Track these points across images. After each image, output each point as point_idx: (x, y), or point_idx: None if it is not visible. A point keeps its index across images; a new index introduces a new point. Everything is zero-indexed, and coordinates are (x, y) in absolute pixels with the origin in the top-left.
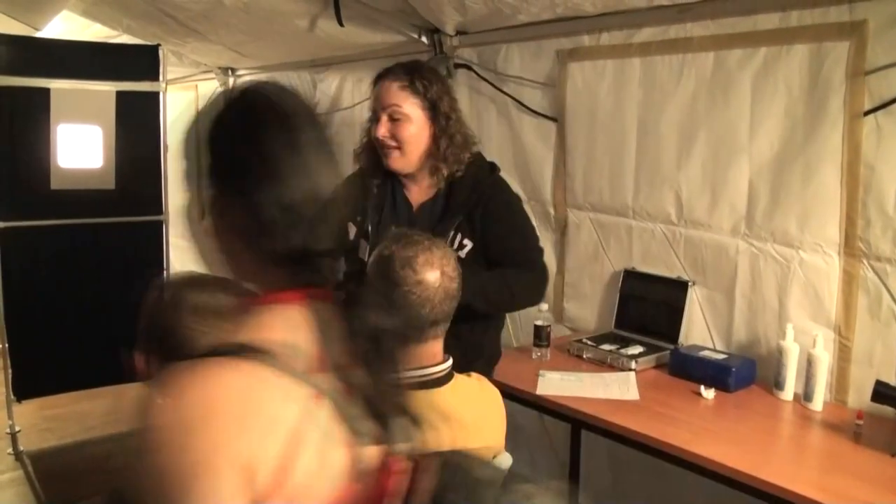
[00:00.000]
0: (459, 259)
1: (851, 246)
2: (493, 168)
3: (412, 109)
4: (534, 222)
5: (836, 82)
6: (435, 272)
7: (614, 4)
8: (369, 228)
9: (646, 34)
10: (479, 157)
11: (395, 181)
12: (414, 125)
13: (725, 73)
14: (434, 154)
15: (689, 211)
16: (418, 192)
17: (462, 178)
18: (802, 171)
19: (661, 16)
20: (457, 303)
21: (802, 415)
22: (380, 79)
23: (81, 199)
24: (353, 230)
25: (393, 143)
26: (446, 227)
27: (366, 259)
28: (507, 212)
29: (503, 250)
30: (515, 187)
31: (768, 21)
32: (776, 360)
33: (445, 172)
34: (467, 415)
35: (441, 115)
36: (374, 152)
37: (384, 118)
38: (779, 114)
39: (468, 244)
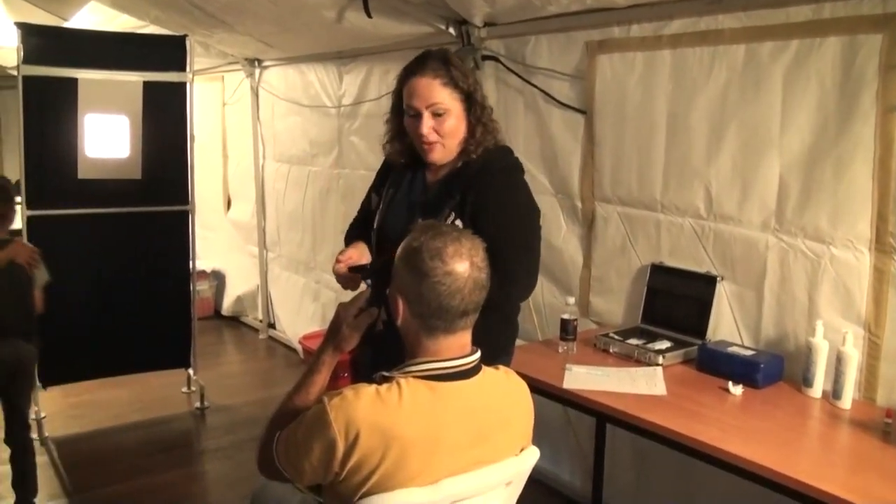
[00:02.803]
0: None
1: (882, 242)
2: (509, 163)
3: (453, 103)
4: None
5: (868, 75)
6: (464, 263)
7: None
8: (383, 199)
9: (676, 26)
10: (503, 148)
11: (418, 164)
12: (454, 119)
13: (757, 66)
14: (468, 141)
15: (718, 205)
16: (435, 172)
17: (474, 161)
18: (834, 165)
19: (691, 7)
20: (486, 293)
21: (831, 412)
22: (413, 74)
23: (108, 188)
24: (374, 200)
25: (436, 139)
26: (442, 205)
27: (377, 225)
28: (500, 210)
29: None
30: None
31: (800, 13)
32: (805, 356)
33: (468, 156)
34: (495, 407)
35: (477, 104)
36: (402, 142)
37: (427, 115)
38: (810, 107)
39: (458, 225)
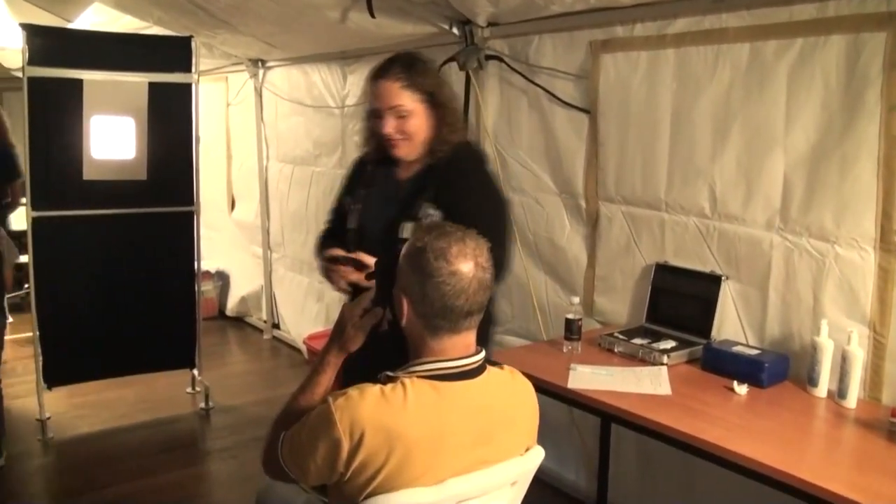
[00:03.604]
0: None
1: (887, 241)
2: (477, 156)
3: (415, 105)
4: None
5: (872, 74)
6: (469, 263)
7: None
8: (357, 200)
9: (680, 25)
10: (469, 143)
11: (389, 162)
12: (417, 118)
13: (761, 65)
14: (433, 139)
15: (722, 204)
16: (406, 169)
17: (442, 157)
18: (838, 164)
19: (695, 6)
20: (490, 293)
21: (836, 412)
22: (377, 77)
23: (113, 189)
24: (347, 202)
25: (400, 137)
26: (416, 199)
27: (352, 227)
28: (474, 202)
29: None
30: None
31: (805, 11)
32: (810, 356)
33: (437, 153)
34: (500, 407)
35: (439, 104)
36: (376, 142)
37: (389, 117)
38: (815, 106)
39: (436, 213)
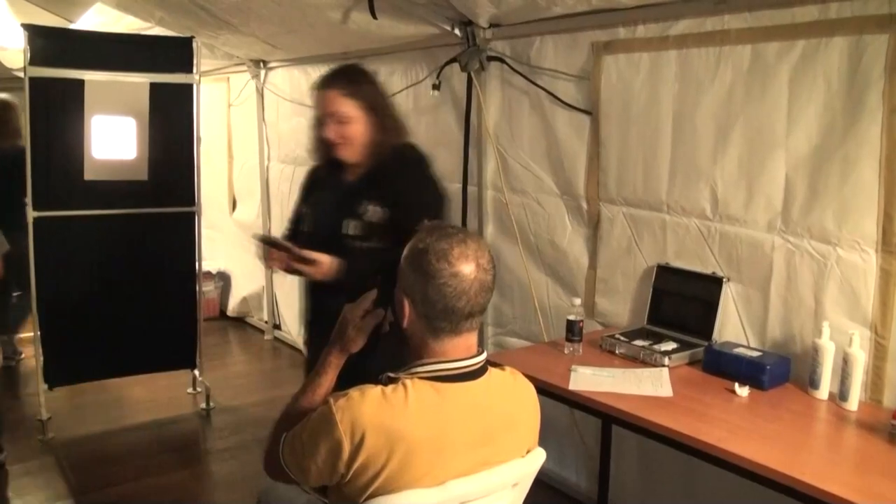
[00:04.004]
0: (369, 223)
1: (889, 243)
2: (418, 157)
3: (355, 112)
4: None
5: (874, 76)
6: (470, 264)
7: None
8: (310, 205)
9: (682, 27)
10: (407, 146)
11: (338, 166)
12: (356, 124)
13: (763, 67)
14: (372, 143)
15: (724, 206)
16: (352, 172)
17: (384, 159)
18: (840, 166)
19: (697, 8)
20: (492, 295)
21: (837, 414)
22: (322, 87)
23: (115, 190)
24: (301, 209)
25: (341, 141)
26: (362, 198)
27: (307, 230)
28: (413, 198)
29: (396, 224)
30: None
31: (807, 13)
32: (811, 358)
33: (377, 156)
34: (501, 408)
35: (378, 111)
36: (323, 146)
37: (331, 123)
38: (816, 108)
39: (378, 210)
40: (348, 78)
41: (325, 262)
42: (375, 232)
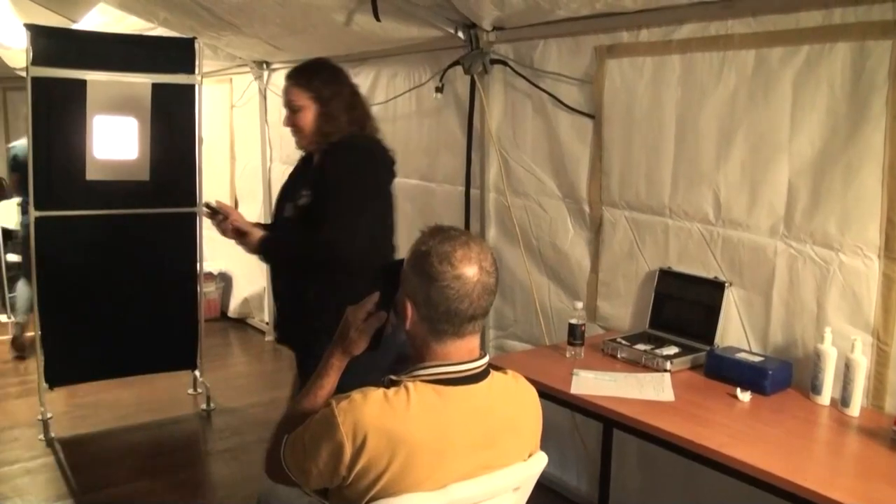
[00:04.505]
0: (299, 207)
1: (891, 249)
2: (351, 145)
3: (305, 102)
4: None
5: (878, 81)
6: (473, 267)
7: (655, 0)
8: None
9: (686, 31)
10: (350, 137)
11: (308, 155)
12: (305, 112)
13: (766, 72)
14: (319, 132)
15: (727, 210)
16: (315, 160)
17: (327, 148)
18: (843, 171)
19: (701, 12)
20: (494, 298)
21: (839, 420)
22: (286, 79)
23: (116, 190)
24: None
25: (292, 128)
26: (300, 185)
27: (285, 215)
28: (332, 180)
29: (316, 209)
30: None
31: (811, 19)
32: (813, 363)
33: (325, 145)
34: (503, 412)
35: (324, 101)
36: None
37: (287, 111)
38: (820, 113)
39: (308, 195)
40: (304, 71)
41: (253, 238)
42: (303, 215)
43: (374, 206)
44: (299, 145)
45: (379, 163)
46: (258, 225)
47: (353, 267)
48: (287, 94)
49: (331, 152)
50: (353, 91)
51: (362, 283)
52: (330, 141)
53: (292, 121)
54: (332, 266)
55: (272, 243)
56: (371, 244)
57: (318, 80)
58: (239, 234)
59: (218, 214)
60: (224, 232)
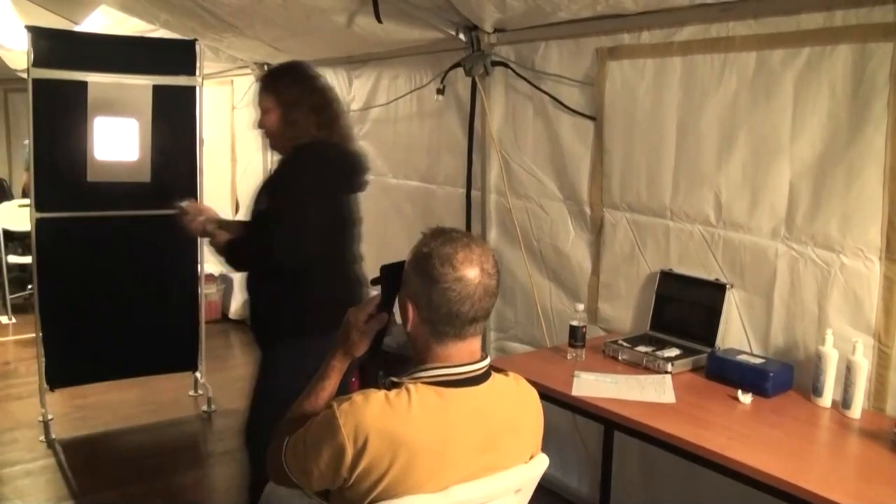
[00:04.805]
0: (258, 211)
1: (893, 251)
2: (302, 151)
3: (271, 105)
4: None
5: (879, 83)
6: (475, 269)
7: (656, 3)
8: None
9: (687, 33)
10: (308, 143)
11: None
12: (270, 115)
13: (768, 74)
14: (282, 135)
15: (728, 212)
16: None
17: (291, 151)
18: (844, 173)
19: (703, 14)
20: (496, 300)
21: (840, 422)
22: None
23: (117, 191)
24: None
25: (261, 130)
26: (264, 189)
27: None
28: (276, 187)
29: (261, 212)
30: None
31: (812, 21)
32: (814, 365)
33: (287, 149)
34: (505, 414)
35: (287, 105)
36: None
37: (258, 113)
38: (821, 115)
39: (265, 199)
40: (272, 74)
41: (218, 240)
42: (261, 220)
43: (317, 212)
44: (271, 147)
45: (331, 169)
46: (234, 224)
47: (298, 274)
48: (256, 96)
49: (287, 157)
50: (322, 95)
51: (315, 291)
52: (295, 145)
53: (260, 122)
54: (276, 272)
55: (229, 246)
56: (319, 251)
57: (283, 83)
58: (207, 234)
59: (187, 214)
60: (194, 231)
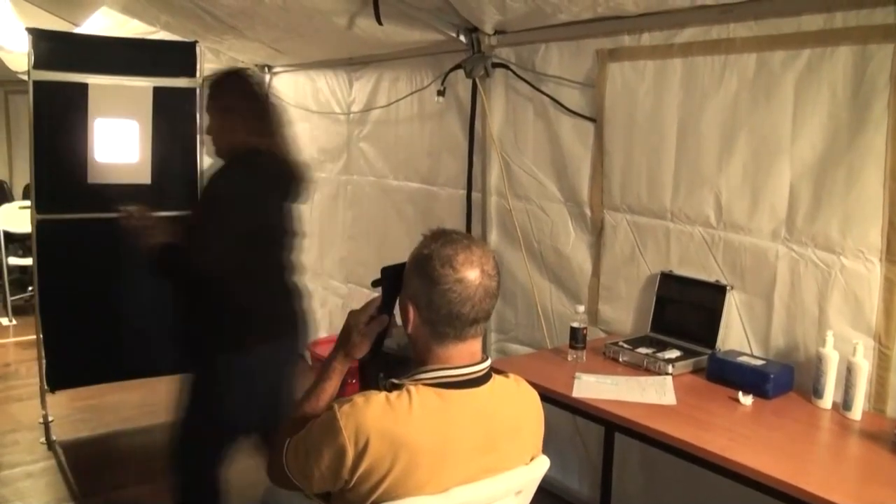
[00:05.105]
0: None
1: (893, 252)
2: (231, 157)
3: (212, 111)
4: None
5: (880, 85)
6: (475, 270)
7: (656, 4)
8: None
9: (687, 34)
10: (243, 149)
11: None
12: (212, 121)
13: (768, 75)
14: (222, 141)
15: (728, 214)
16: None
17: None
18: (845, 175)
19: (703, 16)
20: (496, 301)
21: (841, 423)
22: None
23: (118, 193)
24: None
25: (208, 137)
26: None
27: None
28: (204, 192)
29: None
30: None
31: (812, 22)
32: (815, 367)
33: (225, 155)
34: (506, 415)
35: (223, 112)
36: None
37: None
38: (821, 116)
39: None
40: (214, 80)
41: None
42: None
43: (240, 220)
44: (215, 154)
45: (262, 178)
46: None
47: (221, 284)
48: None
49: (222, 163)
50: (260, 103)
51: (239, 302)
52: (229, 151)
53: (206, 128)
54: (199, 281)
55: (158, 253)
56: (241, 261)
57: (220, 90)
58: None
59: (132, 217)
60: (137, 237)
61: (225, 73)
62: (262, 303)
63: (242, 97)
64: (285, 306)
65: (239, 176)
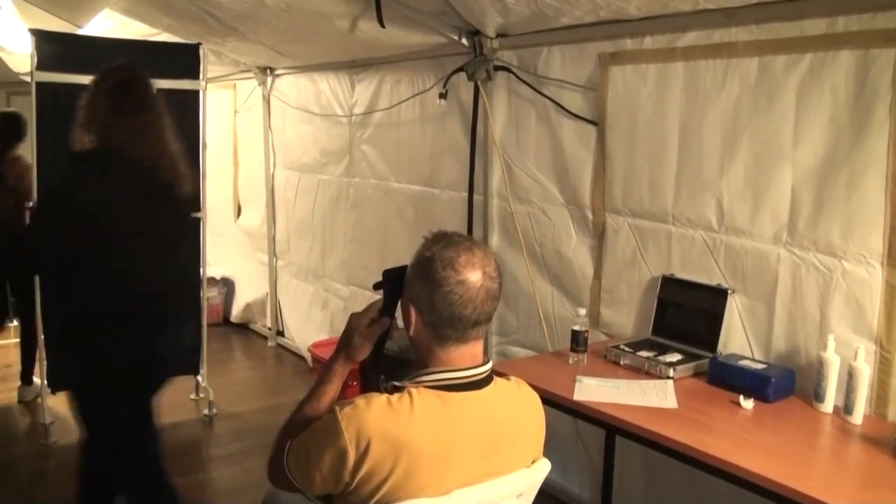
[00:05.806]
0: None
1: (895, 257)
2: (83, 158)
3: (81, 105)
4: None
5: (882, 89)
6: (477, 272)
7: (658, 8)
8: None
9: (690, 38)
10: (98, 150)
11: None
12: (77, 115)
13: (770, 79)
14: (86, 138)
15: (730, 218)
16: None
17: None
18: (847, 179)
19: (705, 20)
20: (498, 303)
21: (842, 428)
22: None
23: None
24: None
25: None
26: None
27: None
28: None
29: None
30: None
31: (814, 27)
32: (816, 371)
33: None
34: (507, 418)
35: (82, 107)
36: None
37: None
38: (823, 121)
39: None
40: (95, 77)
41: None
42: None
43: (73, 217)
44: None
45: (106, 179)
46: None
47: (60, 281)
48: None
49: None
50: (113, 101)
51: (76, 300)
52: (82, 151)
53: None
54: (41, 274)
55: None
56: (72, 258)
57: (89, 87)
58: None
59: None
60: None
61: (108, 71)
62: (99, 303)
63: (97, 93)
64: (130, 309)
65: (80, 175)
